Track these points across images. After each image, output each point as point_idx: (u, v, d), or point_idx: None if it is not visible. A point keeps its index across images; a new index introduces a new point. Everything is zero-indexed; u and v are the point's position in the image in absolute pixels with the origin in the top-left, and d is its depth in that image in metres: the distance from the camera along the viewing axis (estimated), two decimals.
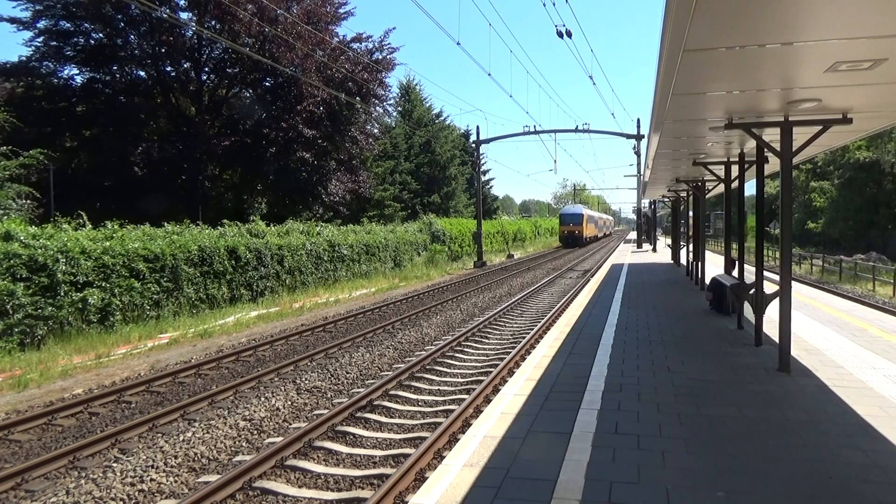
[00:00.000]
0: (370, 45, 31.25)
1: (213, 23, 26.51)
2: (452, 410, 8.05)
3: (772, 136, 7.76)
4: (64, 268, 12.36)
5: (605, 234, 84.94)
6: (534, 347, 10.21)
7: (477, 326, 13.81)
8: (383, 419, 7.95)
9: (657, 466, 4.65)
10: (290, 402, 8.57)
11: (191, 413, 8.14)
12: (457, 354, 11.55)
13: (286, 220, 24.08)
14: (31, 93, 25.36)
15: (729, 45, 4.48)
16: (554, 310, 16.09)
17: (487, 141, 39.52)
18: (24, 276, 11.67)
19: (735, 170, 11.67)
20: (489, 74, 55.60)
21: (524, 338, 12.54)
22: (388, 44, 31.94)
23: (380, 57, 31.30)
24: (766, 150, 7.82)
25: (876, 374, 7.27)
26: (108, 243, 13.84)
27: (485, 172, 62.24)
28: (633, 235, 60.80)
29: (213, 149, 27.04)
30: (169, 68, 27.99)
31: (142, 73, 27.90)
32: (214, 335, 14.11)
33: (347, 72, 28.67)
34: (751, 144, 9.00)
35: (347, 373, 10.21)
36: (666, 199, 33.07)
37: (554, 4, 23.22)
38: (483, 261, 36.02)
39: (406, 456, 6.56)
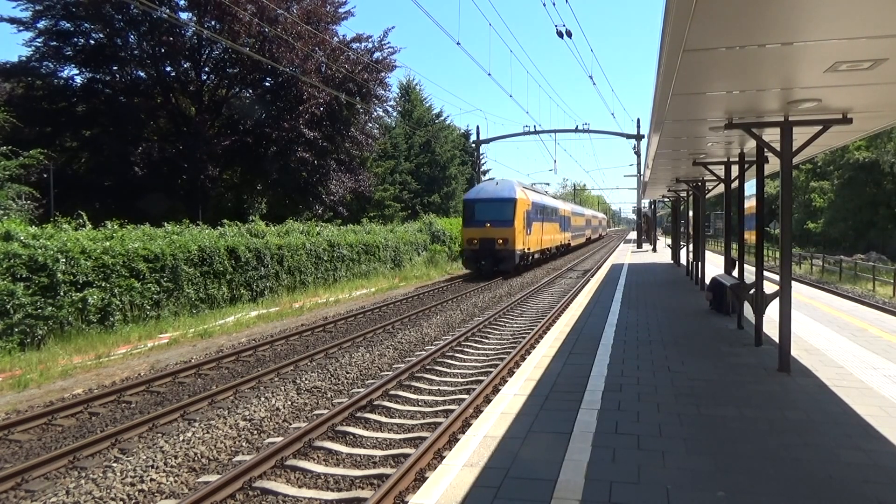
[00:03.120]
0: (370, 46, 31.26)
1: (213, 23, 26.51)
2: (452, 410, 8.05)
3: (772, 136, 7.76)
4: (64, 268, 12.36)
5: (588, 237, 60.07)
6: (534, 347, 10.21)
7: (477, 326, 13.80)
8: (383, 419, 7.95)
9: (657, 466, 4.65)
10: (290, 402, 8.57)
11: (191, 413, 8.14)
12: (457, 354, 11.54)
13: (286, 220, 24.09)
14: (31, 93, 25.36)
15: (729, 45, 4.48)
16: (554, 310, 16.08)
17: (487, 141, 39.69)
18: (24, 276, 11.66)
19: (735, 170, 11.68)
20: (489, 74, 55.74)
21: (524, 338, 12.54)
22: (388, 43, 31.95)
23: (380, 56, 31.30)
24: (766, 150, 7.82)
25: (876, 375, 7.28)
26: (108, 243, 13.83)
27: (485, 172, 61.89)
28: (633, 235, 60.43)
29: (213, 149, 27.03)
30: (169, 68, 27.99)
31: (142, 74, 27.89)
32: (214, 335, 14.11)
33: (347, 72, 28.67)
34: (751, 144, 9.01)
35: (347, 373, 10.20)
36: (666, 199, 33.07)
37: (554, 4, 23.28)
38: None
39: (406, 456, 6.56)
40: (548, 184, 52.06)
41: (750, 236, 9.78)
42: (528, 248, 27.81)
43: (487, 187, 27.90)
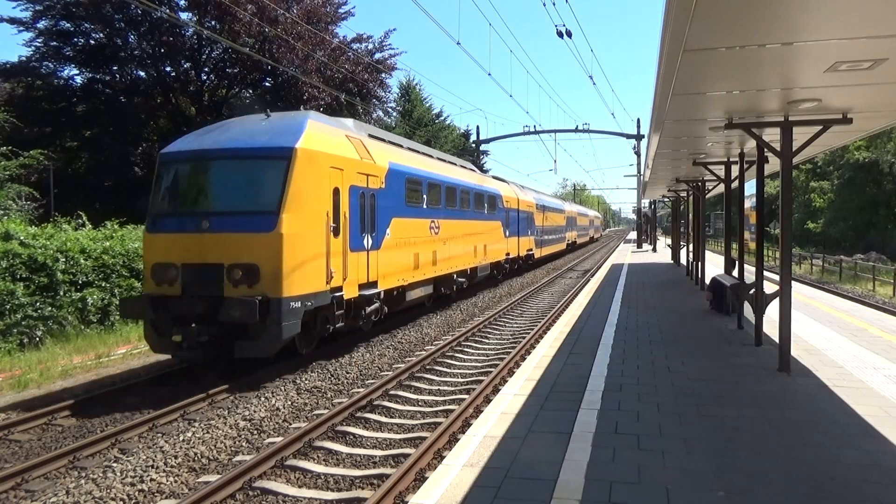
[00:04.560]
0: (370, 46, 31.28)
1: (213, 23, 26.52)
2: (452, 410, 8.04)
3: (772, 136, 7.76)
4: (63, 267, 12.35)
5: (573, 242, 46.24)
6: (534, 347, 10.21)
7: (477, 326, 13.80)
8: (383, 419, 7.95)
9: (657, 466, 4.65)
10: (290, 402, 8.56)
11: (191, 413, 8.13)
12: (457, 354, 11.54)
13: None
14: (31, 93, 25.38)
15: (729, 45, 4.48)
16: (554, 310, 16.08)
17: (487, 141, 39.74)
18: (23, 276, 11.66)
19: (735, 170, 11.68)
20: (489, 74, 55.75)
21: (524, 338, 12.54)
22: (389, 44, 31.99)
23: (380, 57, 31.32)
24: (766, 150, 7.83)
25: (876, 374, 7.28)
26: (108, 243, 13.84)
27: (485, 172, 61.85)
28: (632, 235, 60.49)
29: None
30: (169, 68, 28.00)
31: (142, 74, 27.91)
32: None
33: (348, 72, 28.68)
34: (751, 144, 9.01)
35: (347, 373, 10.20)
36: (666, 199, 33.10)
37: (554, 4, 23.28)
38: None
39: (406, 456, 6.56)
40: (485, 155, 33.80)
41: (749, 237, 9.78)
42: (361, 288, 11.22)
43: (232, 128, 10.80)
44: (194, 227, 9.39)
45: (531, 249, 28.12)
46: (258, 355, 9.32)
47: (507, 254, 23.23)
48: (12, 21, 24.22)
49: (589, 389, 6.78)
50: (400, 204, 13.12)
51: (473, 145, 45.80)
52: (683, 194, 23.46)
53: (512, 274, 25.45)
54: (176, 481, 6.10)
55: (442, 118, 54.80)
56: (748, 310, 9.66)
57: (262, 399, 8.59)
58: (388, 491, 5.42)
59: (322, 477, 6.19)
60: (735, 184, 11.64)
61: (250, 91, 30.13)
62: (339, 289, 10.37)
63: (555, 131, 40.46)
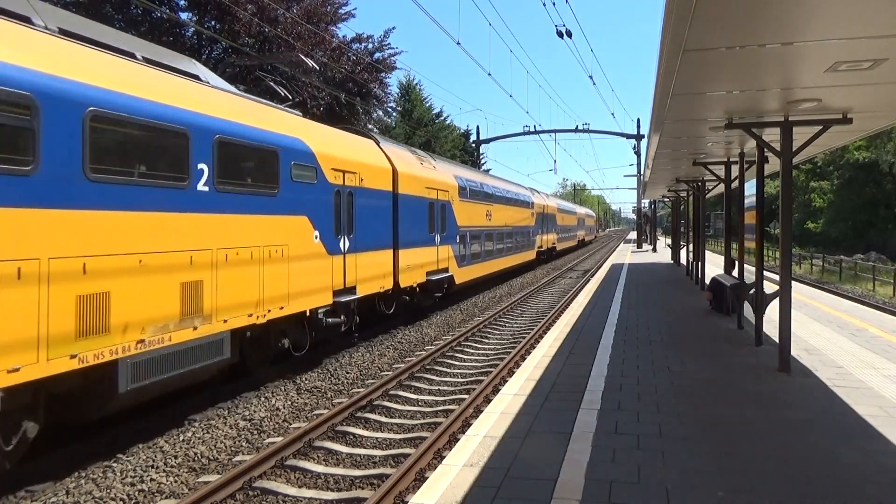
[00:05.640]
0: (370, 46, 31.28)
1: (213, 23, 26.53)
2: (452, 410, 8.05)
3: (772, 136, 7.77)
4: None
5: (546, 248, 34.11)
6: (534, 347, 10.21)
7: (477, 326, 13.80)
8: (383, 419, 7.95)
9: (657, 466, 4.65)
10: (290, 402, 8.57)
11: (191, 413, 8.12)
12: (457, 354, 11.54)
13: None
14: None
15: (729, 45, 4.48)
16: (554, 310, 16.08)
17: (487, 141, 39.72)
18: None
19: (735, 170, 11.69)
20: (489, 74, 55.62)
21: (524, 338, 12.54)
22: (389, 44, 31.97)
23: (380, 56, 31.32)
24: (766, 150, 7.83)
25: (876, 374, 7.28)
26: None
27: (486, 171, 61.90)
28: (632, 235, 60.51)
29: None
30: None
31: None
32: None
33: (348, 72, 28.69)
34: (751, 144, 9.02)
35: (347, 373, 10.20)
36: (666, 199, 33.10)
37: (554, 4, 23.30)
38: None
39: (406, 456, 6.56)
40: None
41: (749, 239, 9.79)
42: None
43: None
44: None
45: (445, 270, 15.67)
46: None
47: (335, 288, 10.35)
48: None
49: (589, 389, 6.78)
50: None
51: (473, 145, 45.76)
52: (683, 194, 23.47)
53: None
54: (176, 481, 6.10)
55: (442, 118, 54.83)
56: (748, 310, 9.66)
57: (262, 399, 8.59)
58: (388, 491, 5.42)
59: (322, 477, 6.19)
60: (735, 184, 11.64)
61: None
62: None
63: (555, 131, 40.57)
